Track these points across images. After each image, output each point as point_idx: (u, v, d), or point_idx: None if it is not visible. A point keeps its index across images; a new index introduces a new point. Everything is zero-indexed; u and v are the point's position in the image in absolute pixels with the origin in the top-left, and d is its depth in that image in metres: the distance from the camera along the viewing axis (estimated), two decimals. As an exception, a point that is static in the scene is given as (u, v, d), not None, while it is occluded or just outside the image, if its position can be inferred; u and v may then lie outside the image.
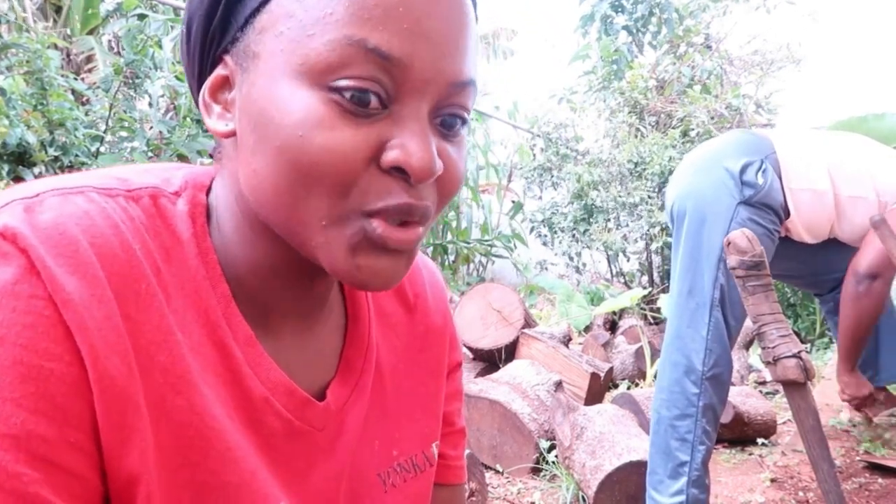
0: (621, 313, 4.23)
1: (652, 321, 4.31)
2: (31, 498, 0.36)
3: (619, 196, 4.62)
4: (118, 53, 4.96)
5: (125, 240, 0.43)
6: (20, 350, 0.37)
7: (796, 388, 1.23)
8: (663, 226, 4.35)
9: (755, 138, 1.87)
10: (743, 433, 2.53)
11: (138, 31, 3.94)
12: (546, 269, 5.98)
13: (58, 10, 5.42)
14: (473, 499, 1.85)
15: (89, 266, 0.40)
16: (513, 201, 7.66)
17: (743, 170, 1.73)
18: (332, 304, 0.57)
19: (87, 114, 3.83)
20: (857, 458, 2.24)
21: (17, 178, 3.19)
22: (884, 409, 2.30)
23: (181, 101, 4.30)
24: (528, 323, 3.27)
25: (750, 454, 2.46)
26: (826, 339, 4.04)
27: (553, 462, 2.25)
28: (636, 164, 4.61)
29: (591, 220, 4.95)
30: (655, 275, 4.89)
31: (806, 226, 1.85)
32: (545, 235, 5.48)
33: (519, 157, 7.14)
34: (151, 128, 4.19)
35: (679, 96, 5.17)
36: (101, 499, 0.41)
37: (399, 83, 0.42)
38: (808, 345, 4.09)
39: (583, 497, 2.07)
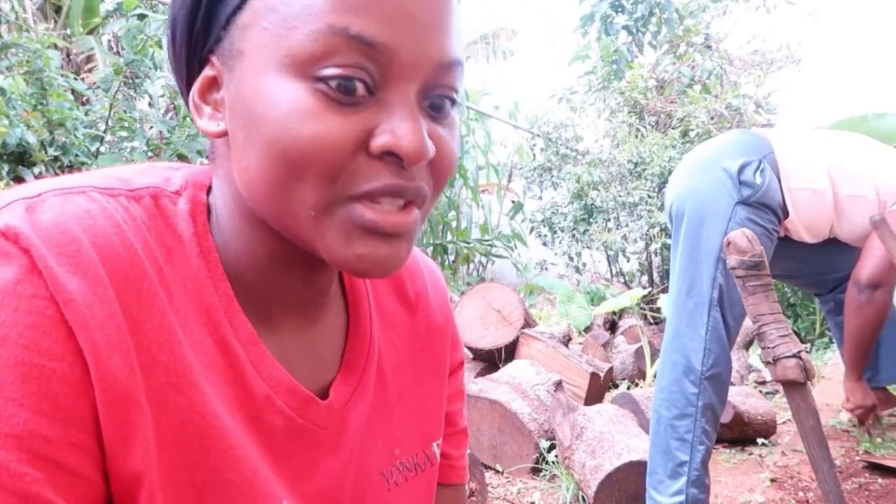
0: (621, 313, 4.23)
1: (652, 321, 4.31)
2: (34, 498, 0.36)
3: (619, 196, 4.62)
4: (118, 53, 4.96)
5: (127, 239, 0.43)
6: (22, 350, 0.37)
7: (796, 388, 1.23)
8: (663, 226, 4.35)
9: (754, 138, 1.87)
10: (743, 433, 2.53)
11: (138, 31, 3.94)
12: (546, 269, 5.98)
13: (58, 10, 5.42)
14: (473, 499, 1.85)
15: (91, 265, 0.40)
16: (513, 201, 7.65)
17: (741, 169, 1.73)
18: (333, 302, 0.57)
19: (87, 114, 3.82)
20: (857, 458, 2.24)
21: (17, 178, 3.19)
22: (881, 427, 2.30)
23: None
24: (528, 323, 3.27)
25: (750, 454, 2.46)
26: (826, 339, 4.04)
27: (553, 462, 2.25)
28: (636, 164, 4.61)
29: (590, 220, 4.95)
30: (655, 275, 4.89)
31: (805, 225, 1.85)
32: (545, 235, 5.47)
33: (519, 157, 7.14)
34: (151, 128, 4.19)
35: (679, 96, 5.17)
36: (104, 498, 0.41)
37: (384, 69, 0.42)
38: (808, 345, 4.09)
39: (583, 497, 2.07)
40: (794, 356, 1.22)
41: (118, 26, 4.92)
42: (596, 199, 4.76)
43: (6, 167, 3.18)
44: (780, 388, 1.72)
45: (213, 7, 0.45)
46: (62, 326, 0.38)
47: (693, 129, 4.66)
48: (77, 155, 3.45)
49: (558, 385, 2.53)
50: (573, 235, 5.10)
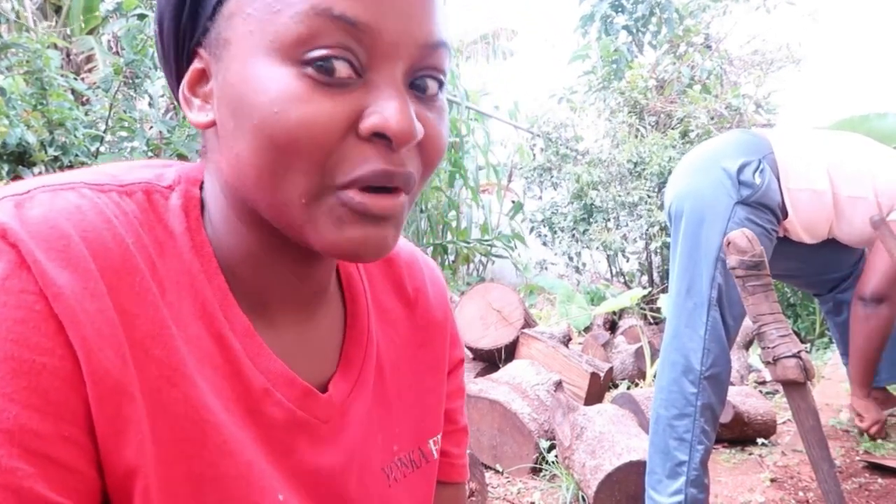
0: (621, 313, 4.23)
1: (652, 321, 4.31)
2: (26, 493, 0.36)
3: (619, 196, 4.62)
4: (118, 53, 4.96)
5: (118, 234, 0.43)
6: (11, 345, 0.37)
7: (796, 387, 1.23)
8: (662, 225, 4.35)
9: (753, 138, 1.87)
10: (743, 433, 2.53)
11: (138, 31, 3.93)
12: (546, 269, 5.98)
13: (57, 9, 5.42)
14: (473, 499, 1.85)
15: (81, 260, 0.40)
16: (513, 201, 7.65)
17: (740, 170, 1.73)
18: (330, 298, 0.57)
19: (87, 114, 3.82)
20: (857, 458, 2.23)
21: (17, 178, 3.18)
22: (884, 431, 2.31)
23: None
24: (528, 323, 3.27)
25: (750, 454, 2.46)
26: (826, 339, 4.04)
27: (553, 462, 2.25)
28: (636, 164, 4.61)
29: (590, 219, 4.95)
30: (655, 275, 4.89)
31: (804, 226, 1.85)
32: (545, 235, 5.47)
33: (520, 157, 7.14)
34: (151, 128, 4.19)
35: (679, 96, 5.17)
36: (99, 492, 0.41)
37: (370, 50, 0.43)
38: (808, 345, 4.09)
39: (583, 497, 2.07)
40: (794, 356, 1.22)
41: (118, 26, 4.92)
42: (596, 199, 4.76)
43: (6, 167, 3.18)
44: (780, 388, 1.72)
45: (199, 0, 0.46)
46: (52, 321, 0.38)
47: (693, 129, 4.65)
48: (77, 155, 3.44)
49: (558, 385, 2.53)
50: (573, 235, 5.10)
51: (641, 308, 4.31)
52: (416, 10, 0.44)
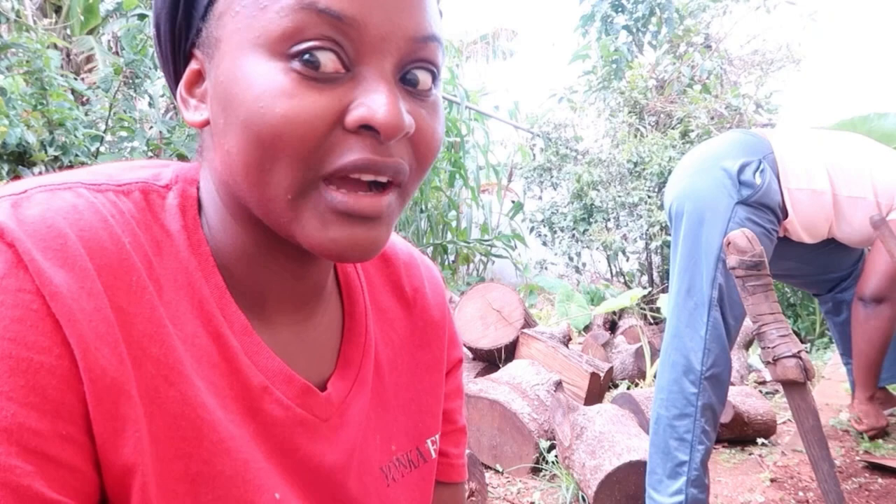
0: (621, 313, 4.23)
1: (652, 321, 4.31)
2: (24, 490, 0.36)
3: (619, 196, 4.62)
4: (118, 53, 4.96)
5: (114, 233, 0.43)
6: (9, 344, 0.37)
7: (796, 387, 1.23)
8: (662, 225, 4.35)
9: (753, 138, 1.87)
10: (743, 433, 2.53)
11: (138, 31, 3.94)
12: (546, 268, 5.98)
13: (57, 9, 5.42)
14: (473, 499, 1.85)
15: (78, 259, 0.40)
16: (513, 201, 7.66)
17: (741, 170, 1.73)
18: (328, 298, 0.57)
19: (86, 114, 3.82)
20: (857, 458, 2.23)
21: (17, 178, 3.18)
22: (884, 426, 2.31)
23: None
24: (528, 323, 3.27)
25: (750, 454, 2.46)
26: (826, 339, 4.04)
27: (553, 462, 2.25)
28: (636, 164, 4.62)
29: (590, 219, 4.95)
30: (655, 274, 4.90)
31: (804, 226, 1.85)
32: (545, 235, 5.48)
33: (522, 156, 7.14)
34: (151, 128, 4.19)
35: (679, 96, 5.17)
36: (97, 490, 0.41)
37: (357, 44, 0.42)
38: (808, 345, 4.09)
39: (583, 497, 2.07)
40: (794, 356, 1.22)
41: (118, 26, 4.92)
42: (596, 199, 4.76)
43: (6, 167, 3.18)
44: (780, 388, 1.72)
45: (192, 1, 0.46)
46: (49, 320, 0.38)
47: (693, 129, 4.66)
48: (77, 155, 3.44)
49: (558, 385, 2.53)
50: (573, 235, 5.10)
51: (641, 308, 4.31)
52: (403, 4, 0.43)
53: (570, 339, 3.52)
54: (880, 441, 2.29)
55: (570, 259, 5.28)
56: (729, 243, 1.27)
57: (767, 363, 1.26)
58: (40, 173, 3.27)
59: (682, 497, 1.65)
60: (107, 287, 0.41)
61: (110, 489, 0.41)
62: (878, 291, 1.92)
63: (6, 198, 0.41)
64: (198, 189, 0.51)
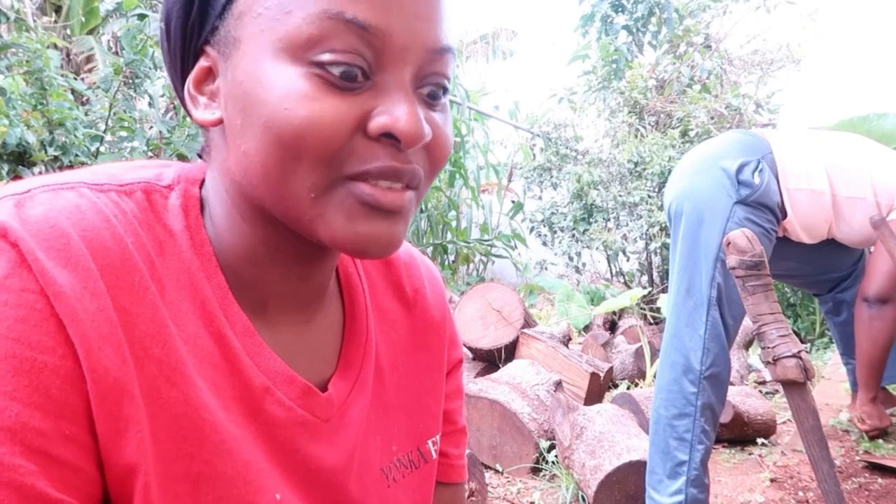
0: (621, 313, 4.23)
1: (652, 321, 4.31)
2: (28, 490, 0.37)
3: (619, 196, 4.62)
4: (118, 53, 4.96)
5: (117, 233, 0.43)
6: (12, 343, 0.37)
7: (796, 387, 1.23)
8: (662, 225, 4.36)
9: (752, 138, 1.87)
10: (743, 433, 2.53)
11: (138, 31, 3.94)
12: (546, 268, 5.99)
13: (57, 9, 5.42)
14: (473, 499, 1.85)
15: (81, 258, 0.40)
16: (513, 201, 7.66)
17: (739, 170, 1.73)
18: (329, 299, 0.57)
19: (86, 114, 3.82)
20: (857, 458, 2.23)
21: (17, 178, 3.18)
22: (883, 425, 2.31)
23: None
24: (528, 323, 3.27)
25: (750, 454, 2.46)
26: (826, 339, 4.04)
27: (553, 462, 2.25)
28: (636, 164, 4.62)
29: (590, 219, 4.95)
30: (655, 274, 4.90)
31: (803, 226, 1.85)
32: (545, 235, 5.48)
33: (523, 155, 7.14)
34: (151, 128, 4.19)
35: (679, 96, 5.17)
36: (99, 490, 0.41)
37: (379, 53, 0.43)
38: (808, 345, 4.09)
39: (582, 497, 2.07)
40: (793, 356, 1.22)
41: (118, 26, 4.92)
42: (596, 199, 4.76)
43: (6, 167, 3.18)
44: (780, 388, 1.72)
45: None
46: (52, 319, 0.38)
47: (693, 129, 4.66)
48: (77, 155, 3.45)
49: (558, 385, 2.53)
50: (573, 235, 5.10)
51: (641, 308, 4.31)
52: (423, 17, 0.44)
53: (570, 339, 3.52)
54: (880, 441, 2.29)
55: (570, 259, 5.28)
56: (729, 243, 1.27)
57: (767, 363, 1.25)
58: (40, 173, 3.27)
59: (681, 497, 1.65)
60: (109, 287, 0.41)
61: (112, 489, 0.41)
62: (882, 292, 1.92)
63: (9, 197, 0.41)
64: (201, 189, 0.51)
